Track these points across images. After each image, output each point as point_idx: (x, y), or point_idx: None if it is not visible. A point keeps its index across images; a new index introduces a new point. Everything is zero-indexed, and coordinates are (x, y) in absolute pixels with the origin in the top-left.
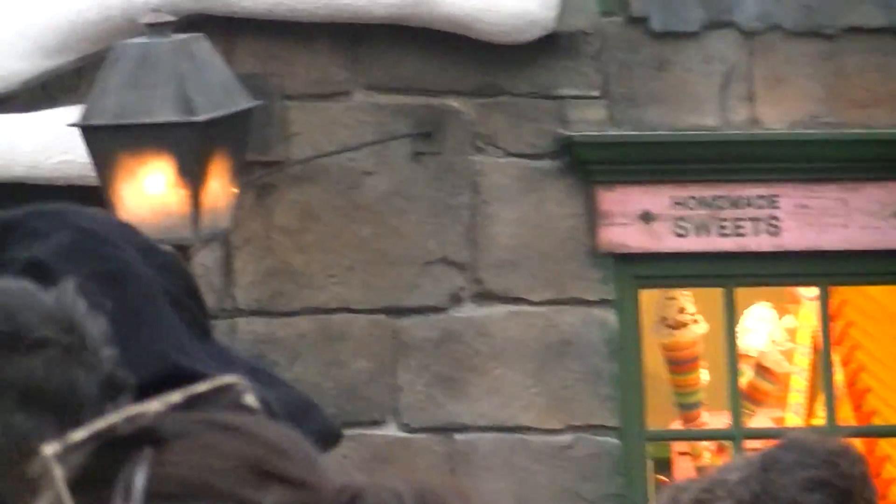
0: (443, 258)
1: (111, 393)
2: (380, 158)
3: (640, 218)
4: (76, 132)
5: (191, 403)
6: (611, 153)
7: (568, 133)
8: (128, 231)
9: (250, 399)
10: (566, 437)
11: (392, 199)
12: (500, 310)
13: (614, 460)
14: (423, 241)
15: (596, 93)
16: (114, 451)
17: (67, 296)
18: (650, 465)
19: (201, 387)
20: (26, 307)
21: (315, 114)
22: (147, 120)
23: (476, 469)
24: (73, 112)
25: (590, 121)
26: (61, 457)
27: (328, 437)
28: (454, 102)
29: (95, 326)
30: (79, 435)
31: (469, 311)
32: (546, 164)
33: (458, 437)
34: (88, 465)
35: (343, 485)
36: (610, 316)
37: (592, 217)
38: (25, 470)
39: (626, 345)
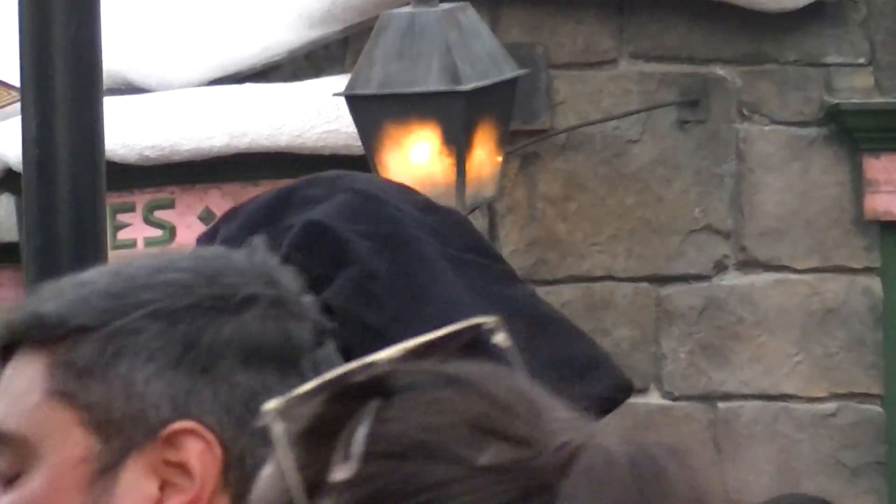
0: (707, 226)
1: (320, 339)
2: (645, 127)
3: None
4: (342, 102)
5: (428, 349)
6: (877, 121)
7: (834, 101)
8: (405, 192)
9: (500, 338)
10: (830, 405)
11: (657, 167)
12: (764, 278)
13: (878, 428)
14: (687, 209)
15: (863, 60)
16: (345, 401)
17: (259, 252)
18: None
19: (442, 331)
20: (226, 268)
21: (580, 83)
22: (413, 89)
23: (738, 437)
24: (338, 82)
25: (856, 88)
26: (284, 412)
27: (616, 392)
28: (720, 70)
29: (290, 278)
30: (305, 387)
31: (733, 279)
32: (812, 131)
33: (720, 405)
34: (320, 414)
35: (562, 443)
36: (875, 283)
37: (858, 185)
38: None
39: (891, 312)
